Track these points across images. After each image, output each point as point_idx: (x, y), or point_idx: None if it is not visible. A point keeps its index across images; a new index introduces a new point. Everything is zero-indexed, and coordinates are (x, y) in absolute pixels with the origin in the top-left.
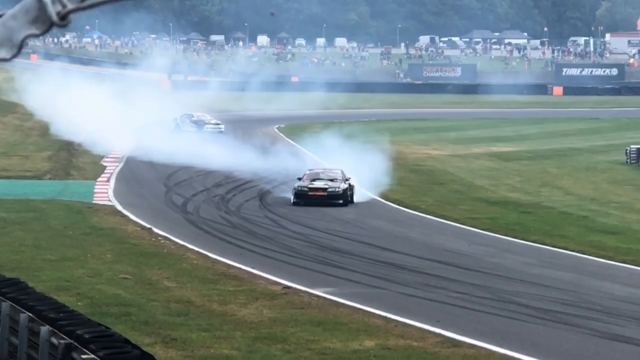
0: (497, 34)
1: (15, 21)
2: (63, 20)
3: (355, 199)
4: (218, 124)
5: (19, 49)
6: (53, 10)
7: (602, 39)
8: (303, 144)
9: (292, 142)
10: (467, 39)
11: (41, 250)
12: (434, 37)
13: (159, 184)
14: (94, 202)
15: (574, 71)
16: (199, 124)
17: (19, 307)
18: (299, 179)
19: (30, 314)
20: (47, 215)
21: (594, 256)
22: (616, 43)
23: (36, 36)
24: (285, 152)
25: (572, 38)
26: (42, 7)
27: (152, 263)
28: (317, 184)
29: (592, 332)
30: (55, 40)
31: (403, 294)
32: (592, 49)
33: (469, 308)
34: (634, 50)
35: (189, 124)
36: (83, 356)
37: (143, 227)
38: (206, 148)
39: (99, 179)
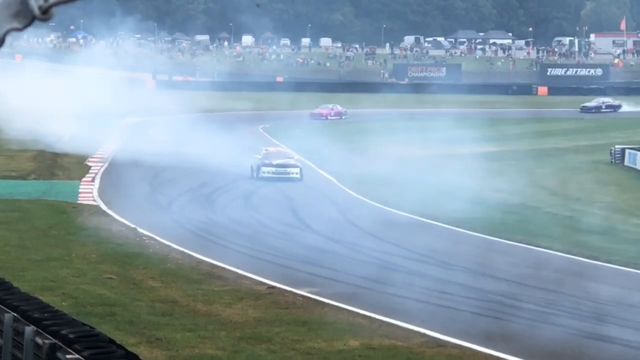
0: (482, 34)
1: None
2: (45, 14)
3: (339, 198)
4: (284, 168)
5: (1, 43)
6: (35, 4)
7: (586, 39)
8: (281, 140)
9: (278, 143)
10: (452, 39)
11: (26, 250)
12: (418, 37)
13: (144, 183)
14: (78, 202)
15: (559, 71)
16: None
17: (3, 307)
18: None
19: (15, 314)
20: (32, 215)
21: (579, 256)
22: (601, 43)
23: (18, 30)
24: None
25: (556, 38)
26: (23, 1)
27: (137, 263)
28: None
29: (577, 332)
30: (40, 40)
31: (387, 294)
32: (577, 49)
33: (453, 308)
34: (619, 51)
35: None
36: (68, 356)
37: (128, 227)
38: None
39: (84, 179)
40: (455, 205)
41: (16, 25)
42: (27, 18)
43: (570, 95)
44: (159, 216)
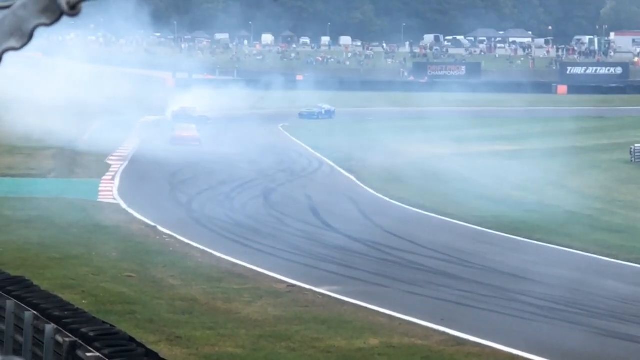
0: (501, 32)
1: (25, 10)
2: (73, 10)
3: (358, 196)
4: None
5: (29, 38)
6: None
7: (606, 38)
8: (298, 137)
9: (299, 142)
10: (472, 38)
11: (46, 248)
12: (438, 36)
13: (164, 181)
14: (98, 200)
15: (579, 70)
16: None
17: (23, 305)
18: None
19: (35, 312)
20: (52, 213)
21: (598, 255)
22: (621, 42)
23: (46, 25)
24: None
25: (576, 37)
26: None
27: (157, 261)
28: None
29: (596, 330)
30: (60, 38)
31: (407, 292)
32: (596, 47)
33: (473, 306)
34: (639, 49)
35: None
36: (88, 354)
37: (148, 225)
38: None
39: (104, 177)
40: (475, 204)
41: (44, 20)
42: (56, 13)
43: (590, 94)
44: (179, 214)
